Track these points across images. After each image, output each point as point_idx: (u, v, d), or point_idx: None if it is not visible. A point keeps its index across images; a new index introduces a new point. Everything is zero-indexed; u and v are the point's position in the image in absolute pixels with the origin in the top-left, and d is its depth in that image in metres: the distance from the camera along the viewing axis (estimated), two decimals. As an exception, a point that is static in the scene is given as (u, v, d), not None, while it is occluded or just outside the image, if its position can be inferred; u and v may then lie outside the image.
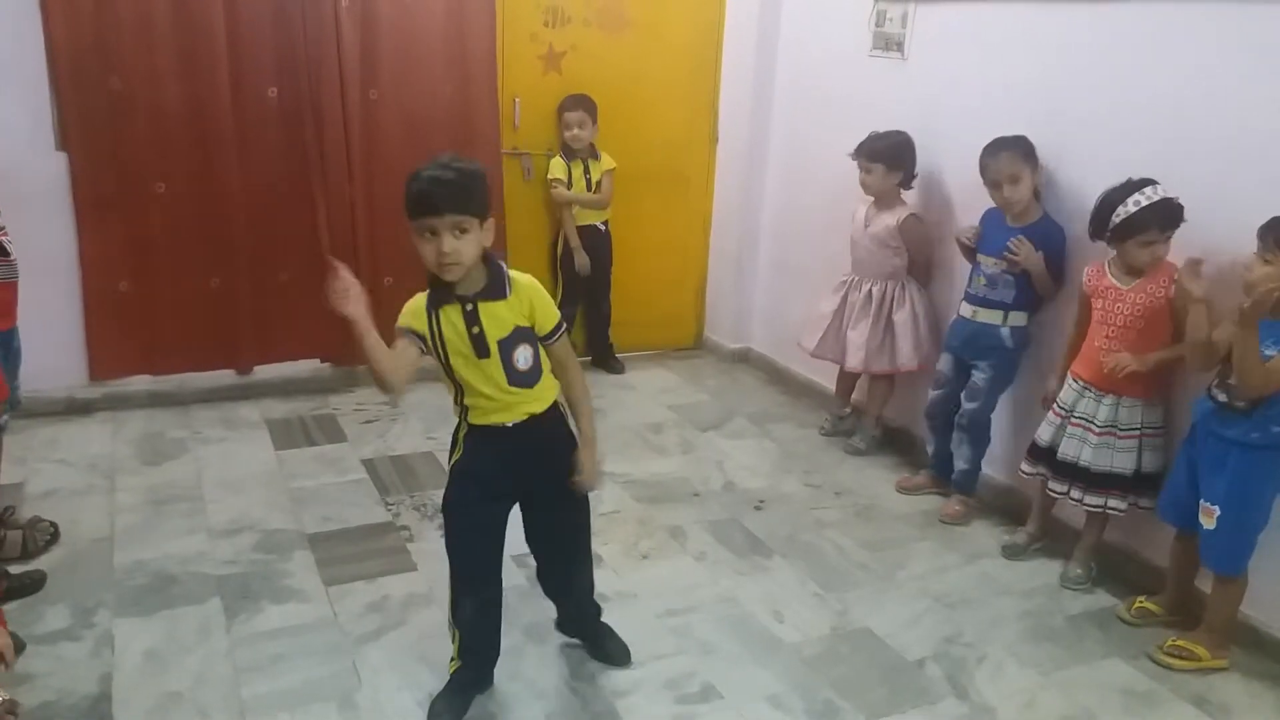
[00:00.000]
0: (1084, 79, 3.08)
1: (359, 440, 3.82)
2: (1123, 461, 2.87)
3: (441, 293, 2.13)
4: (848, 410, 4.10)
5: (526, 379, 2.19)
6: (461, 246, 2.04)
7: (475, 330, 2.12)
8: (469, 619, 2.31)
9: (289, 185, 4.03)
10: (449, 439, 2.31)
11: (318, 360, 4.28)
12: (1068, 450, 2.95)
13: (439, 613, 2.70)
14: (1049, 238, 3.18)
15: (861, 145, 3.65)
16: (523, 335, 2.18)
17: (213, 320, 4.05)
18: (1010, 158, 3.12)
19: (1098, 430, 2.88)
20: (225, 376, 4.16)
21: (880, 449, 3.92)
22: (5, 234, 2.76)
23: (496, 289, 2.14)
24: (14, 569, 2.71)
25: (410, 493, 3.40)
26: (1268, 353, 2.41)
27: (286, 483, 3.44)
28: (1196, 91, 2.76)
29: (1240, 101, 2.66)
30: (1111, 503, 2.89)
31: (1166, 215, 2.70)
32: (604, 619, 2.60)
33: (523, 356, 2.17)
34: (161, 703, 2.31)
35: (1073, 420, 2.94)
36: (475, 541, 2.29)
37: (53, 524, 2.97)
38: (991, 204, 3.26)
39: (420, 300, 2.16)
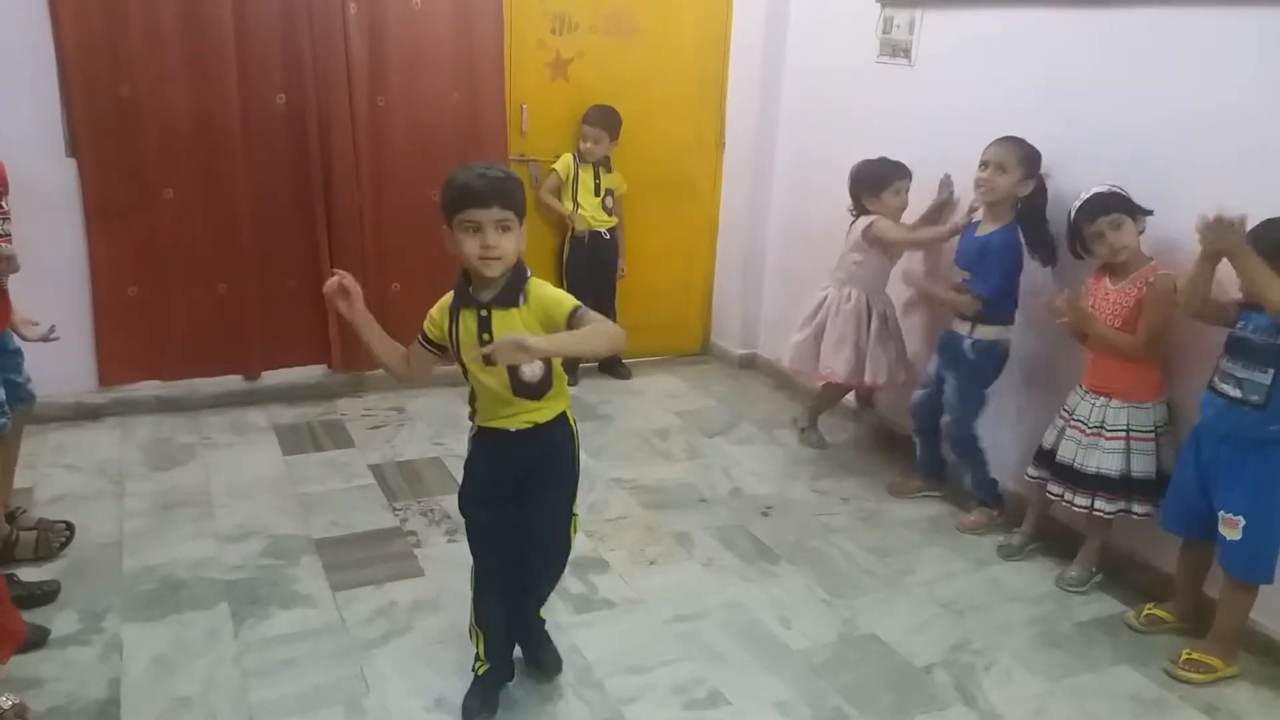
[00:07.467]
0: (1091, 86, 3.08)
1: (366, 445, 3.82)
2: (1109, 463, 2.86)
3: (463, 296, 2.16)
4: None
5: (532, 391, 2.18)
6: (504, 242, 2.07)
7: (485, 337, 2.12)
8: (490, 616, 2.33)
9: (296, 191, 4.04)
10: (456, 445, 2.32)
11: (325, 366, 4.29)
12: (1064, 453, 2.97)
13: (446, 618, 2.70)
14: (1005, 245, 3.16)
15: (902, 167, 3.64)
16: None
17: (221, 326, 4.06)
18: (1010, 150, 3.12)
19: (1087, 431, 2.91)
20: (233, 382, 4.17)
21: (882, 451, 3.93)
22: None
23: (510, 297, 2.13)
24: (28, 579, 2.70)
25: (418, 498, 3.40)
26: None
27: (294, 488, 3.44)
28: (1205, 99, 2.76)
29: (1247, 109, 2.66)
30: (1098, 504, 2.89)
31: (1096, 205, 2.82)
32: (609, 624, 2.63)
33: (529, 369, 2.13)
34: (170, 708, 2.31)
35: (1071, 424, 2.97)
36: (484, 540, 2.32)
37: (68, 525, 2.98)
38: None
39: (446, 301, 2.22)
